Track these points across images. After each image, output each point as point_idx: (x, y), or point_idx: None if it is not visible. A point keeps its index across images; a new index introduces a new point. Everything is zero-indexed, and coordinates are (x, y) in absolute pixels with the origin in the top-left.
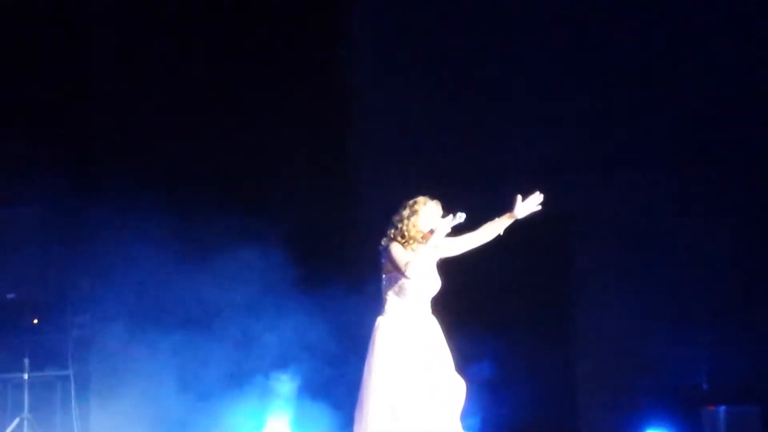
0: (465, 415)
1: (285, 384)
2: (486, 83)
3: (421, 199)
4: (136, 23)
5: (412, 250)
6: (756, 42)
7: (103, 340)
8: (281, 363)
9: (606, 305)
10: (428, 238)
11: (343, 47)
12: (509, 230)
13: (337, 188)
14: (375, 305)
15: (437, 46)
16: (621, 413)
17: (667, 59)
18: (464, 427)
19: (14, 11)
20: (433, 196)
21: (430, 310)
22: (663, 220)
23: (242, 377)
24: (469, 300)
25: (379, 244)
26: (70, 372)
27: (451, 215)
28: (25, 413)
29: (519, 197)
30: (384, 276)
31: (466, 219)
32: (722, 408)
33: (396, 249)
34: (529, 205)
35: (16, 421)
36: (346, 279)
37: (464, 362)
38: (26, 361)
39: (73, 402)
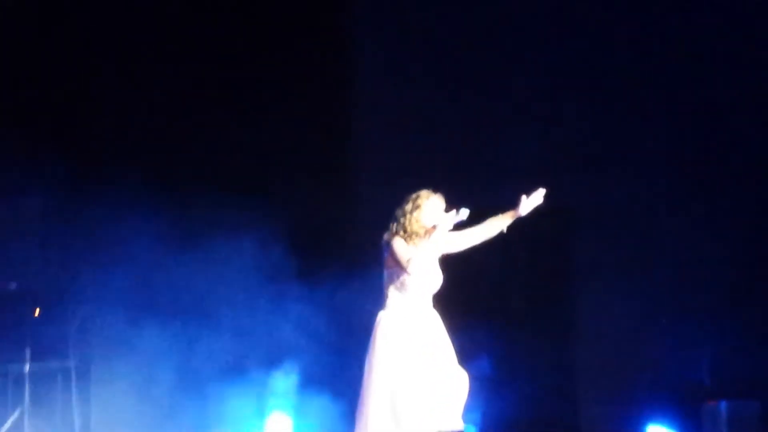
0: (466, 410)
1: (286, 374)
2: (487, 81)
3: (423, 193)
4: (137, 18)
5: (414, 245)
6: (758, 40)
7: (104, 332)
8: (283, 354)
9: (607, 301)
10: (431, 234)
11: (345, 45)
12: (511, 227)
13: (337, 183)
14: (376, 296)
15: (438, 45)
16: (622, 408)
17: (667, 57)
18: (465, 422)
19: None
20: (435, 190)
21: (431, 304)
22: (664, 217)
23: (244, 368)
24: (469, 296)
25: (381, 238)
26: (71, 363)
27: (454, 211)
28: (26, 404)
29: (524, 197)
30: (385, 270)
31: (468, 216)
32: (723, 403)
33: (398, 244)
34: (532, 201)
35: (17, 412)
36: (346, 271)
37: (465, 358)
38: (27, 352)
39: (73, 393)
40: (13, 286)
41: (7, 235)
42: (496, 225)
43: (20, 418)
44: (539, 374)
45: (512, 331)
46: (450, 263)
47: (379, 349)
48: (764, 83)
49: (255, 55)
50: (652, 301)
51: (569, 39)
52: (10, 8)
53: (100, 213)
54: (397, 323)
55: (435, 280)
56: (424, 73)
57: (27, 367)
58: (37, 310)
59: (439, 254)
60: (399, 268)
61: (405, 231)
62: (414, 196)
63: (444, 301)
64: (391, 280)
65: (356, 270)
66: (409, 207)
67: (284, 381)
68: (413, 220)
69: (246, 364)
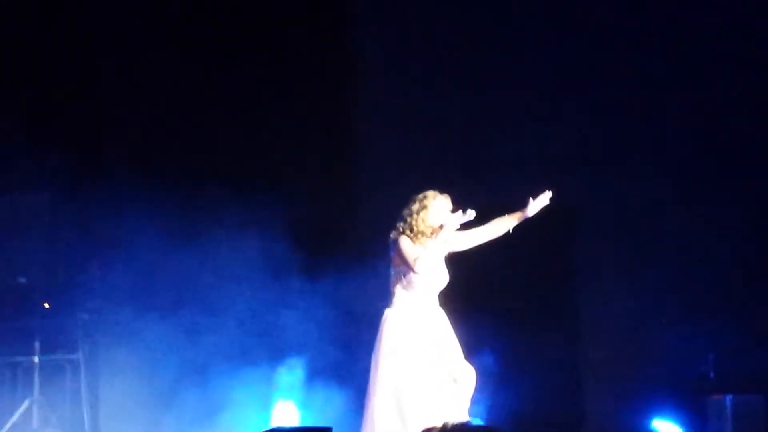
0: (472, 404)
1: (292, 367)
2: (489, 81)
3: (430, 193)
4: (142, 17)
5: (421, 244)
6: (760, 39)
7: (112, 324)
8: (289, 346)
9: (611, 297)
10: (437, 233)
11: (347, 43)
12: (516, 226)
13: (340, 179)
14: (382, 289)
15: (440, 44)
16: (627, 403)
17: (670, 56)
18: (471, 415)
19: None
20: (442, 190)
21: (438, 302)
22: (668, 214)
23: (250, 361)
24: (475, 292)
25: (388, 236)
26: (80, 355)
27: (460, 211)
28: (35, 396)
29: (531, 199)
30: (392, 269)
31: (475, 216)
32: (729, 397)
33: (405, 243)
34: (539, 203)
35: (26, 403)
36: (350, 264)
37: (470, 354)
38: (37, 344)
39: (82, 385)
40: (22, 280)
41: (15, 231)
42: (503, 225)
43: (29, 410)
44: (545, 369)
45: (518, 328)
46: (455, 260)
47: (385, 346)
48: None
49: (258, 53)
50: (656, 297)
51: (571, 39)
52: (15, 5)
53: (107, 208)
54: (404, 321)
55: (441, 278)
56: (426, 72)
57: (36, 359)
58: (46, 303)
59: (445, 252)
60: (406, 266)
61: (412, 230)
62: (421, 196)
63: (449, 299)
64: (398, 279)
65: (361, 264)
66: (416, 207)
67: (290, 373)
68: (420, 220)
69: (252, 357)
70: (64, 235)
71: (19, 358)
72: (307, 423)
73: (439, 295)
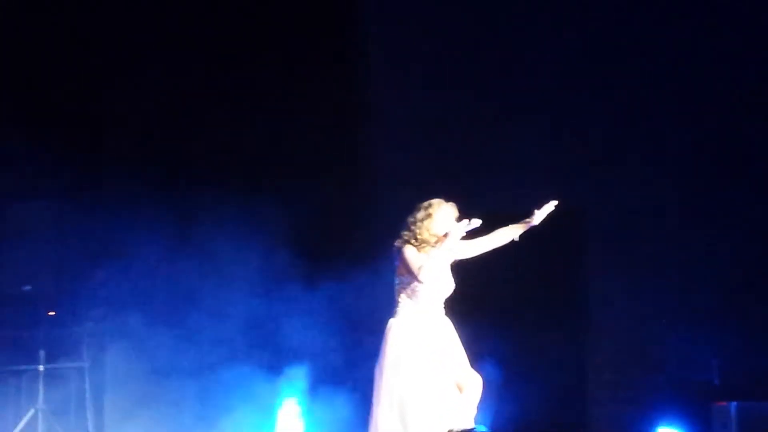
0: (477, 410)
1: (298, 371)
2: (498, 84)
3: (435, 201)
4: (147, 23)
5: (426, 253)
6: (762, 39)
7: (117, 333)
8: (295, 353)
9: (617, 302)
10: (442, 242)
11: (355, 45)
12: (523, 234)
13: (348, 183)
14: (386, 296)
15: (453, 45)
16: (632, 409)
17: (678, 57)
18: (476, 422)
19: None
20: (448, 197)
21: (443, 311)
22: (675, 217)
23: (255, 367)
24: (479, 297)
25: (393, 244)
26: (85, 364)
27: (466, 220)
28: (40, 404)
29: (536, 210)
30: (397, 278)
31: (480, 215)
32: (734, 404)
33: (409, 252)
34: (544, 211)
35: (31, 412)
36: (357, 271)
37: (475, 361)
38: (41, 352)
39: (87, 394)
40: (26, 288)
41: (20, 239)
42: (508, 234)
43: (34, 418)
44: (549, 375)
45: (523, 333)
46: (462, 265)
47: (389, 356)
48: None
49: (262, 55)
50: (662, 302)
51: (580, 41)
52: (20, 16)
53: (113, 215)
54: (408, 331)
55: (446, 286)
56: (434, 75)
57: (41, 368)
58: (51, 312)
59: (450, 260)
60: (410, 275)
61: (416, 239)
62: (426, 204)
63: (454, 303)
64: (403, 287)
65: (366, 270)
66: (420, 215)
67: (294, 380)
68: (425, 229)
69: (256, 364)
70: (68, 244)
71: (24, 367)
72: (312, 430)
73: (445, 303)
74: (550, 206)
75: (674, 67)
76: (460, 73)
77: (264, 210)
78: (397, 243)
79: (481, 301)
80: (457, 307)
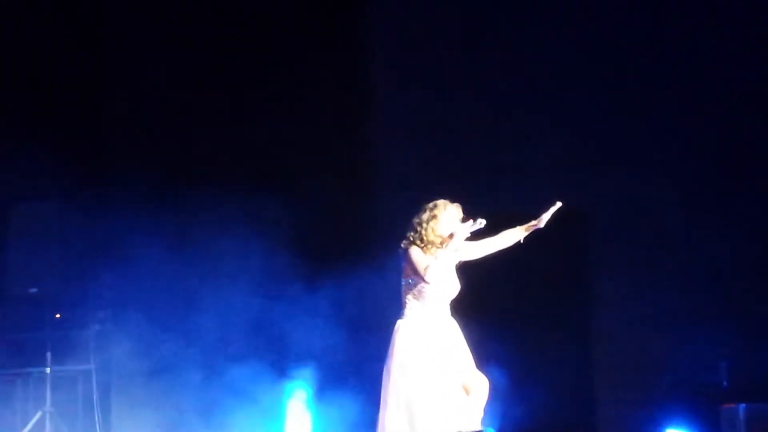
0: (484, 413)
1: (305, 376)
2: (500, 81)
3: (441, 202)
4: (145, 17)
5: (431, 254)
6: (762, 39)
7: (124, 335)
8: (302, 355)
9: (624, 303)
10: (447, 243)
11: (360, 44)
12: (528, 236)
13: (353, 183)
14: (392, 296)
15: (453, 45)
16: (640, 411)
17: (678, 57)
18: (484, 425)
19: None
20: (450, 196)
21: (449, 312)
22: (682, 219)
23: (262, 369)
24: (483, 298)
25: (398, 244)
26: (92, 366)
27: (471, 221)
28: (47, 407)
29: (543, 215)
30: (403, 279)
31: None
32: (742, 406)
33: (415, 253)
34: (549, 213)
35: (38, 414)
36: (362, 272)
37: (482, 363)
38: (48, 355)
39: (94, 396)
40: (33, 290)
41: (26, 241)
42: (513, 236)
43: (42, 421)
44: (557, 377)
45: (528, 334)
46: (465, 266)
47: (397, 357)
48: None
49: (267, 55)
50: (669, 304)
51: (580, 41)
52: (20, 16)
53: (119, 217)
54: (416, 332)
55: (452, 287)
56: (434, 75)
57: (48, 370)
58: (57, 314)
59: (456, 261)
60: (417, 276)
61: (422, 240)
62: (431, 205)
63: (458, 305)
64: (409, 289)
65: (371, 270)
66: (426, 216)
67: (302, 378)
68: (430, 230)
69: (263, 365)
70: (73, 246)
71: (31, 369)
72: (319, 431)
73: (451, 304)
74: (555, 207)
75: (674, 67)
76: (460, 73)
77: (266, 210)
78: (403, 244)
79: (485, 303)
80: (461, 309)
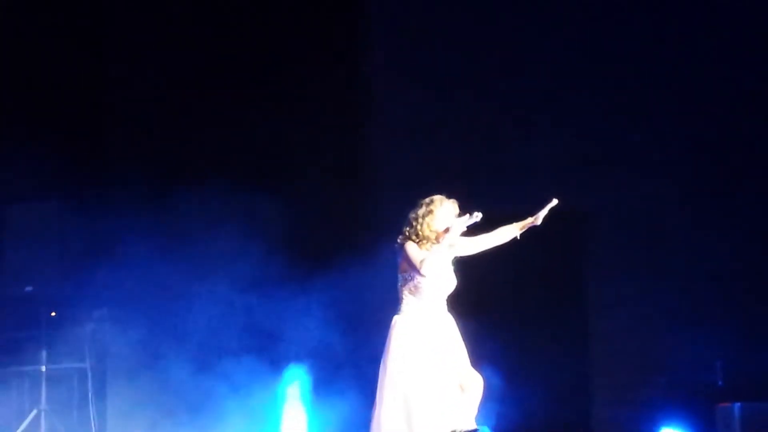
0: (479, 412)
1: (301, 373)
2: (500, 81)
3: (437, 198)
4: (149, 21)
5: (427, 249)
6: (762, 39)
7: (119, 333)
8: (298, 353)
9: (620, 304)
10: (443, 237)
11: (360, 44)
12: (524, 232)
13: (351, 182)
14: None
15: (453, 45)
16: (635, 410)
17: (678, 57)
18: (479, 423)
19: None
20: (449, 196)
21: (446, 308)
22: (677, 218)
23: (258, 367)
24: (481, 299)
25: (394, 241)
26: (87, 365)
27: (467, 215)
28: (43, 405)
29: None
30: (400, 275)
31: (482, 218)
32: (737, 405)
33: (411, 248)
34: (546, 210)
35: (34, 413)
36: (358, 269)
37: (477, 361)
38: (44, 353)
39: (90, 394)
40: (29, 289)
41: (23, 240)
42: (510, 232)
43: (37, 419)
44: (553, 377)
45: (527, 334)
46: (462, 266)
47: (393, 352)
48: None
49: (267, 55)
50: (665, 304)
51: (580, 41)
52: (20, 16)
53: (115, 216)
54: (412, 327)
55: (448, 283)
56: (434, 75)
57: (43, 369)
58: (53, 312)
59: (452, 257)
60: (413, 270)
61: (417, 235)
62: (428, 200)
63: (456, 304)
64: (405, 284)
65: (367, 268)
66: (422, 211)
67: (298, 377)
68: (426, 225)
69: (259, 363)
70: (70, 244)
71: (27, 368)
72: (316, 429)
73: (447, 301)
74: (552, 204)
75: (674, 67)
76: (460, 73)
77: (264, 210)
78: (399, 239)
79: (483, 302)
80: (460, 309)
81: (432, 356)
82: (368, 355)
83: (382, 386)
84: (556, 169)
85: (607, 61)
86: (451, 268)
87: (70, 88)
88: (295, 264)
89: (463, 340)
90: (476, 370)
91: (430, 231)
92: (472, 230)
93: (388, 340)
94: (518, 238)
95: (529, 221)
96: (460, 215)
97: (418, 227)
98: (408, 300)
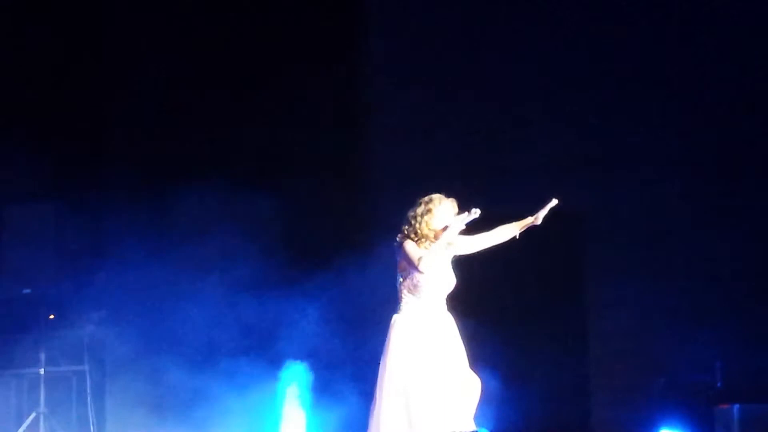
0: (478, 412)
1: (300, 373)
2: (501, 82)
3: (436, 197)
4: (150, 18)
5: (426, 248)
6: (763, 39)
7: (118, 335)
8: (297, 352)
9: (619, 304)
10: (441, 235)
11: (360, 44)
12: (523, 231)
13: (351, 181)
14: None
15: (453, 45)
16: (634, 412)
17: (678, 57)
18: (478, 424)
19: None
20: (448, 195)
21: (445, 307)
22: (676, 219)
23: (257, 367)
24: (480, 299)
25: (394, 240)
26: (86, 367)
27: (466, 212)
28: (41, 408)
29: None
30: (399, 273)
31: (481, 217)
32: (736, 406)
33: (409, 246)
34: (546, 209)
35: (32, 415)
36: (358, 268)
37: (476, 362)
38: (42, 356)
39: (88, 397)
40: (27, 291)
41: (20, 241)
42: (509, 231)
43: (36, 422)
44: (551, 377)
45: (523, 335)
46: (462, 266)
47: (393, 351)
48: None
49: (267, 55)
50: (665, 304)
51: (583, 38)
52: (20, 17)
53: (112, 217)
54: (412, 326)
55: (448, 282)
56: (434, 75)
57: (42, 371)
58: (51, 315)
59: (451, 256)
60: (411, 268)
61: (416, 234)
62: (426, 199)
63: (456, 304)
64: (405, 283)
65: (367, 266)
66: (420, 210)
67: (297, 376)
68: (424, 224)
69: (258, 363)
70: (68, 246)
71: (25, 370)
72: (315, 428)
73: (447, 300)
74: (552, 204)
75: (674, 67)
76: (460, 73)
77: (263, 209)
78: (398, 238)
79: (482, 303)
80: (459, 309)
81: (431, 355)
82: (367, 354)
83: (381, 385)
84: (556, 169)
85: (607, 61)
86: (450, 267)
87: (68, 88)
88: (294, 263)
89: (463, 340)
90: (475, 370)
91: (429, 229)
92: (472, 229)
93: (387, 339)
94: (517, 237)
95: (529, 221)
96: (458, 214)
97: (417, 226)
98: (407, 299)
